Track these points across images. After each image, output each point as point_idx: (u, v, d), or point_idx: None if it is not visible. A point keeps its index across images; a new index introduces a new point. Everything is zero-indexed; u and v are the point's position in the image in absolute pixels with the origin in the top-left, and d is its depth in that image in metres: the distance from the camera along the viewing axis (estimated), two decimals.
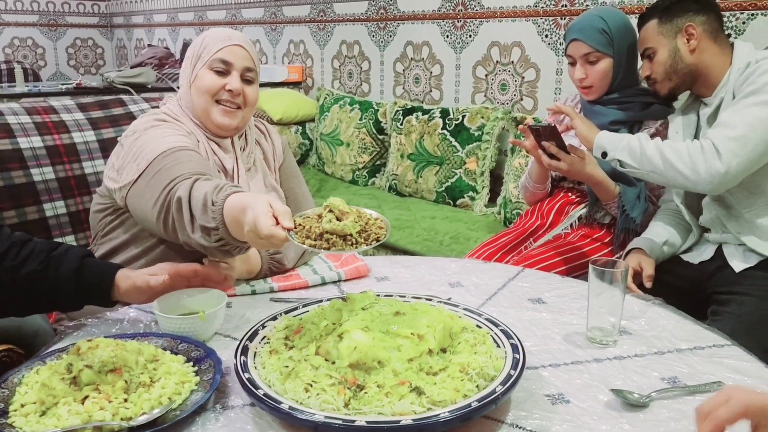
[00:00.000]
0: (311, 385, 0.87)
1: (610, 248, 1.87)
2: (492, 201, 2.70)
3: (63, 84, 3.35)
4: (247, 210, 0.99)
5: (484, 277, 1.40)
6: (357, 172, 3.25)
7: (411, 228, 2.47)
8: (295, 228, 0.97)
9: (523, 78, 2.73)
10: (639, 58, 1.78)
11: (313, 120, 3.62)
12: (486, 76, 2.89)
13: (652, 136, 1.82)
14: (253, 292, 1.32)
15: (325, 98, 3.52)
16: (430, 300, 1.17)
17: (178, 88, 1.48)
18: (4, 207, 1.64)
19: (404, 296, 1.18)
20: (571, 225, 1.93)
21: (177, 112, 1.41)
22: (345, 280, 1.40)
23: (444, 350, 0.96)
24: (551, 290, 1.33)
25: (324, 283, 1.37)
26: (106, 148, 1.76)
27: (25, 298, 1.09)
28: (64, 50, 5.85)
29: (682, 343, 1.11)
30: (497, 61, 2.82)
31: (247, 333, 1.03)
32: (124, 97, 2.02)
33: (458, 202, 2.76)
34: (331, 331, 0.97)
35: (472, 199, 2.72)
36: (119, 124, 1.86)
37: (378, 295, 1.10)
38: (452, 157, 2.75)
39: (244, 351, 0.98)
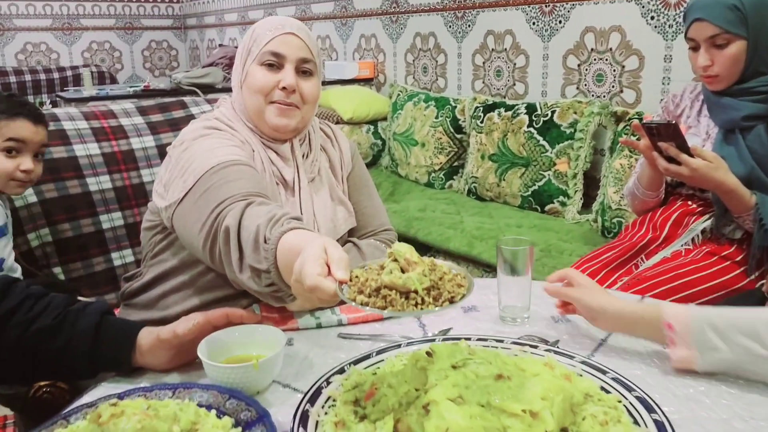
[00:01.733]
0: None
1: (743, 269, 1.55)
2: (586, 207, 2.40)
3: (131, 87, 3.30)
4: (299, 254, 0.79)
5: None
6: (433, 175, 3.02)
7: (495, 238, 2.21)
8: (351, 281, 0.76)
9: (623, 67, 2.43)
10: None
11: (385, 119, 3.42)
12: (579, 66, 2.59)
13: None
14: (319, 326, 1.11)
15: (398, 95, 3.30)
16: (535, 348, 0.92)
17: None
18: (58, 219, 1.54)
19: (502, 341, 0.95)
20: (693, 240, 1.63)
21: (230, 117, 1.24)
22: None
23: (565, 430, 0.72)
24: None
25: (406, 316, 1.15)
26: (165, 154, 1.65)
27: (33, 360, 0.93)
28: (140, 53, 5.92)
29: None
30: (592, 49, 2.53)
31: (308, 392, 0.82)
32: (186, 99, 1.89)
33: (547, 208, 2.47)
34: (413, 400, 0.75)
35: (563, 204, 2.43)
36: (179, 128, 1.72)
37: (468, 339, 0.87)
38: (540, 158, 2.47)
39: (304, 419, 0.77)
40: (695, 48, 1.57)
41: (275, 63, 1.19)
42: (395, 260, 0.76)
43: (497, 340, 0.96)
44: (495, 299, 1.20)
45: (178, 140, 1.19)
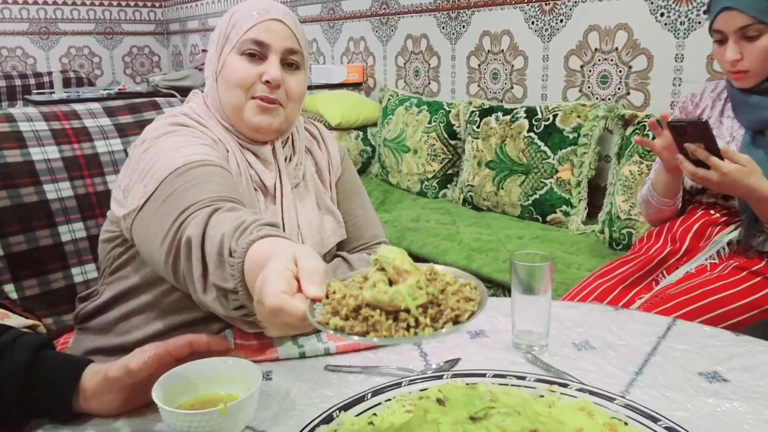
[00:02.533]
0: None
1: None
2: (591, 217, 2.25)
3: (105, 90, 3.12)
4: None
5: (620, 333, 1.00)
6: (426, 183, 2.86)
7: (495, 251, 2.05)
8: (327, 297, 0.58)
9: (630, 68, 2.29)
10: None
11: (375, 124, 3.26)
12: (582, 67, 2.45)
13: None
14: (302, 356, 0.94)
15: (389, 99, 3.15)
16: (566, 387, 0.76)
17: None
18: (11, 231, 1.36)
19: (524, 377, 0.78)
20: (719, 253, 1.47)
21: (202, 113, 1.07)
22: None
23: None
24: (729, 357, 0.91)
25: (395, 344, 0.97)
26: None
27: None
28: (121, 59, 5.74)
29: None
30: (596, 49, 2.39)
31: None
32: (159, 99, 1.72)
33: (549, 218, 2.32)
34: None
35: (566, 214, 2.27)
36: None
37: (482, 375, 0.69)
38: (541, 165, 2.31)
39: None
40: (722, 41, 1.42)
41: (258, 53, 1.03)
42: (382, 269, 0.58)
43: (518, 377, 0.79)
44: (506, 322, 1.04)
45: (139, 139, 1.02)
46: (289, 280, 0.57)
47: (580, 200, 2.25)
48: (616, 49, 2.31)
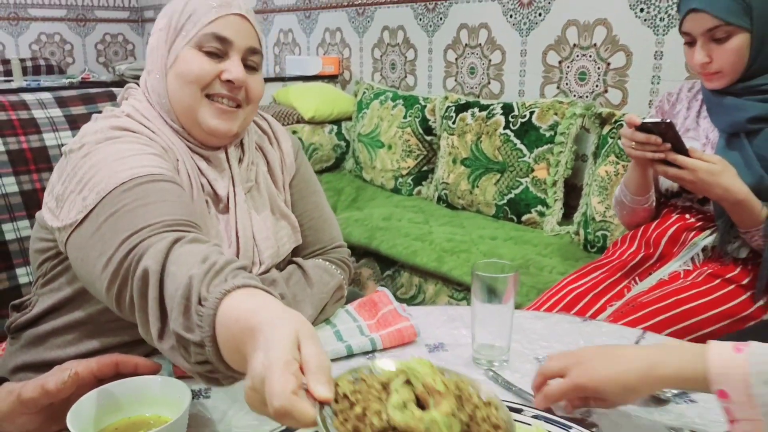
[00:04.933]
0: None
1: (749, 293, 1.35)
2: (567, 217, 2.20)
3: (67, 78, 3.00)
4: (257, 338, 0.54)
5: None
6: (400, 180, 2.79)
7: (467, 252, 1.99)
8: (336, 402, 0.52)
9: (608, 64, 2.23)
10: None
11: (350, 118, 3.18)
12: (560, 63, 2.39)
13: None
14: (349, 351, 0.95)
15: (364, 93, 3.07)
16: (519, 413, 0.70)
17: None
18: None
19: (520, 410, 0.72)
20: (693, 259, 1.43)
21: (147, 113, 0.96)
22: (382, 350, 0.97)
23: None
24: None
25: (351, 355, 0.95)
26: None
27: None
28: (93, 46, 5.58)
29: None
30: (575, 44, 2.33)
31: None
32: (116, 89, 1.62)
33: (524, 218, 2.26)
34: None
35: (542, 215, 2.22)
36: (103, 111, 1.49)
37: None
38: (517, 163, 2.26)
39: None
40: (691, 43, 1.37)
41: (218, 51, 0.94)
42: (408, 382, 0.52)
43: (514, 410, 0.71)
44: (467, 334, 0.98)
45: (76, 141, 0.91)
46: (297, 375, 0.50)
47: (555, 200, 2.20)
48: (595, 45, 2.26)
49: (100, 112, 1.57)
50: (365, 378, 0.55)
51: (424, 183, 2.77)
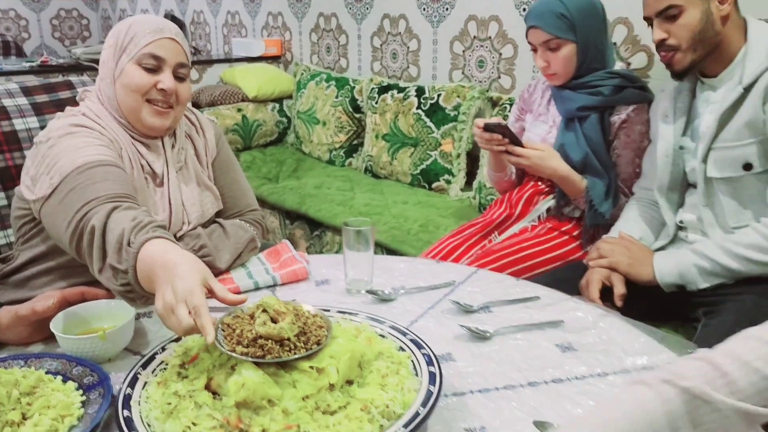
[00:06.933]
0: (190, 428, 0.78)
1: (579, 242, 1.76)
2: (469, 185, 2.58)
3: (27, 62, 3.22)
4: (166, 272, 0.89)
5: (433, 281, 1.29)
6: (334, 152, 3.13)
7: (380, 215, 2.36)
8: (224, 330, 0.88)
9: (500, 54, 2.58)
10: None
11: (290, 97, 3.49)
12: (463, 52, 2.73)
13: (623, 122, 1.70)
14: (256, 286, 1.27)
15: (302, 74, 3.38)
16: (356, 315, 1.07)
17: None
18: None
19: (328, 310, 1.08)
20: (539, 217, 1.82)
21: (99, 112, 1.28)
22: (281, 284, 1.31)
23: (351, 382, 0.87)
24: (502, 297, 1.22)
25: (257, 288, 1.28)
26: None
27: None
28: (48, 22, 5.68)
29: (633, 359, 1.02)
30: (475, 36, 2.67)
31: (144, 358, 0.94)
32: (74, 78, 1.91)
33: (434, 185, 2.64)
34: (225, 362, 0.88)
35: (448, 182, 2.60)
36: (64, 109, 1.78)
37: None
38: (427, 139, 2.63)
39: (133, 382, 0.89)
40: (535, 50, 1.75)
41: (153, 66, 1.25)
42: (265, 311, 0.88)
43: (324, 309, 1.09)
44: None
45: (44, 135, 1.22)
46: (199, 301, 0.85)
47: (459, 170, 2.57)
48: (490, 37, 2.60)
49: (60, 99, 1.88)
50: (239, 314, 0.91)
51: (354, 155, 3.11)
